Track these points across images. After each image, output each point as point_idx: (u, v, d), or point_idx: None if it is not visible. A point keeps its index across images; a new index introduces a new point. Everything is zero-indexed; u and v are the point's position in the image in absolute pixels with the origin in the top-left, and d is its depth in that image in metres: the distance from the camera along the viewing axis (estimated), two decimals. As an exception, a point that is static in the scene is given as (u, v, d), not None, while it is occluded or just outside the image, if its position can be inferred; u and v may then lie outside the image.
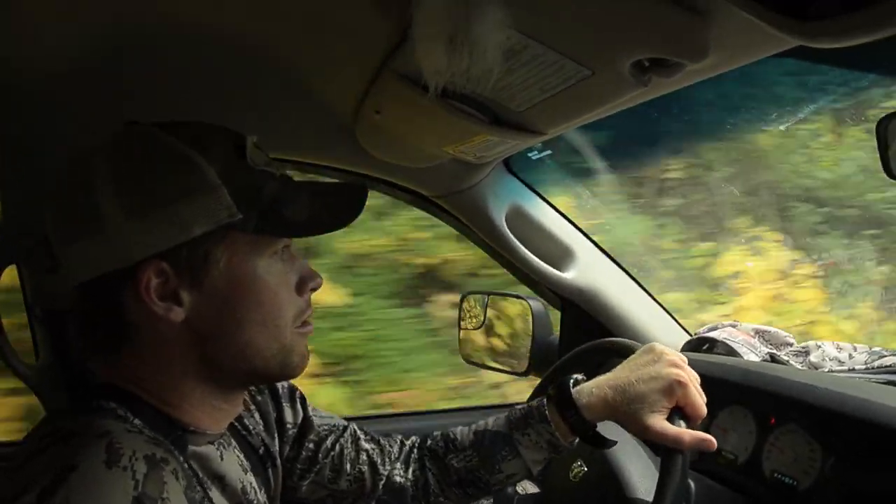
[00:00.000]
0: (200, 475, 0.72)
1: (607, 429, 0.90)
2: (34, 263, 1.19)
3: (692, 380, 0.86)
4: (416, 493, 0.99)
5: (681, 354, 0.90)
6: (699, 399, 0.85)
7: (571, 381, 0.91)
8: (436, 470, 0.99)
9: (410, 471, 1.00)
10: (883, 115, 0.82)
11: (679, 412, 0.84)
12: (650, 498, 0.80)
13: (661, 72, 0.70)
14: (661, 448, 0.83)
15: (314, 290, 0.77)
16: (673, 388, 0.84)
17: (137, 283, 0.66)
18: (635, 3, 0.61)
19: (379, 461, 0.99)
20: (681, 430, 0.82)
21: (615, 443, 0.91)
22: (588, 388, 0.89)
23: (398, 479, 0.99)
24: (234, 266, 0.69)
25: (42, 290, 1.21)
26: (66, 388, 1.28)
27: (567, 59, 0.71)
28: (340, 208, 0.76)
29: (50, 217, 0.71)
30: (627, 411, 0.85)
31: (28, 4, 0.79)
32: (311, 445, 0.96)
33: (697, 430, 0.84)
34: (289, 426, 0.94)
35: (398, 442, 1.03)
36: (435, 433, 1.03)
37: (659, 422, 0.83)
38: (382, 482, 0.98)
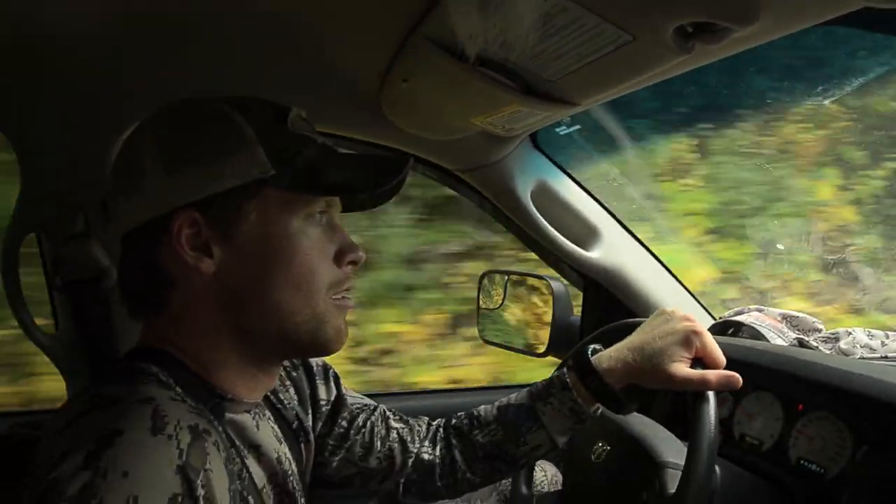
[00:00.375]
0: (237, 443, 0.73)
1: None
2: (55, 231, 1.20)
3: (706, 331, 0.89)
4: (444, 471, 1.00)
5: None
6: (717, 346, 0.88)
7: (590, 349, 0.94)
8: (461, 447, 1.00)
9: (438, 448, 1.01)
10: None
11: (700, 363, 0.87)
12: (681, 460, 0.80)
13: (705, 38, 0.67)
14: (687, 395, 0.85)
15: (354, 263, 0.77)
16: (690, 338, 0.87)
17: (171, 230, 0.68)
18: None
19: (409, 439, 1.01)
20: (705, 371, 0.85)
21: (636, 406, 0.93)
22: (607, 354, 0.92)
23: (427, 456, 1.00)
24: (265, 222, 0.71)
25: (63, 258, 1.21)
26: (85, 357, 1.28)
27: (607, 22, 0.68)
28: (380, 176, 0.76)
29: (109, 181, 0.74)
30: (648, 367, 0.87)
31: None
32: (343, 423, 0.98)
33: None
34: (322, 403, 0.96)
35: (426, 422, 1.04)
36: (459, 413, 1.04)
37: (682, 369, 0.86)
38: (412, 460, 0.99)
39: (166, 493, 0.56)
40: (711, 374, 0.84)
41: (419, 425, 1.03)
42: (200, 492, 0.58)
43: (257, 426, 0.78)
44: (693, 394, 0.83)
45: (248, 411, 0.77)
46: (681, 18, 0.65)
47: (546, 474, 1.22)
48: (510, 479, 1.14)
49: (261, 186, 0.70)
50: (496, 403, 1.00)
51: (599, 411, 0.93)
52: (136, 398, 0.63)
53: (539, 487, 1.19)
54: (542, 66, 0.82)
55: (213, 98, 0.73)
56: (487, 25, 0.69)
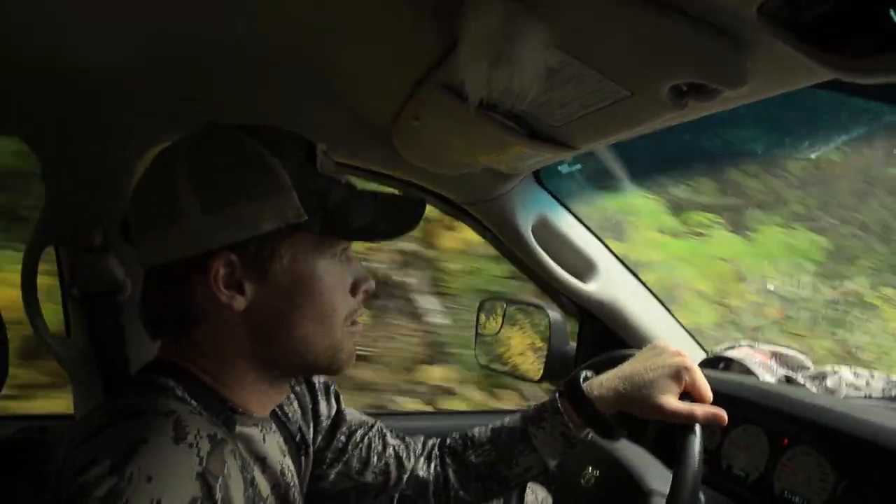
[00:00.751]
0: (245, 455, 0.75)
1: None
2: (73, 244, 1.24)
3: (696, 367, 0.91)
4: (437, 489, 1.02)
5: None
6: (705, 382, 0.91)
7: (582, 376, 0.96)
8: (455, 466, 1.03)
9: (432, 466, 1.03)
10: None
11: (688, 396, 0.90)
12: (667, 489, 0.82)
13: (698, 96, 0.71)
14: (676, 426, 0.87)
15: (367, 292, 0.81)
16: (680, 373, 0.89)
17: (207, 271, 0.71)
18: (677, 29, 0.63)
19: (404, 456, 1.03)
20: (693, 406, 0.88)
21: (625, 433, 0.96)
22: (598, 381, 0.95)
23: (422, 473, 1.02)
24: (296, 263, 0.74)
25: (81, 270, 1.24)
26: (95, 366, 1.31)
27: (607, 79, 0.73)
28: (399, 217, 0.80)
29: (133, 205, 0.76)
30: (638, 396, 0.90)
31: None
32: (342, 437, 1.01)
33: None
34: (323, 418, 0.99)
35: (421, 440, 1.07)
36: (454, 433, 1.07)
37: (671, 400, 0.88)
38: (406, 476, 1.02)
39: (187, 496, 0.60)
40: (699, 409, 0.87)
41: (415, 443, 1.06)
42: (219, 495, 0.62)
43: (264, 439, 0.80)
44: (681, 426, 0.86)
45: (257, 425, 0.80)
46: (675, 79, 0.69)
47: (537, 497, 1.24)
48: (501, 502, 1.17)
49: (294, 229, 0.72)
50: (490, 426, 1.03)
51: (589, 436, 0.96)
52: (158, 411, 0.66)
53: None
54: (547, 114, 0.86)
55: (244, 128, 0.75)
56: (495, 77, 0.73)
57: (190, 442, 0.63)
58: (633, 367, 0.93)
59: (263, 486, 0.78)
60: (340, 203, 0.75)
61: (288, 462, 0.85)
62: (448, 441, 1.06)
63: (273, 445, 0.82)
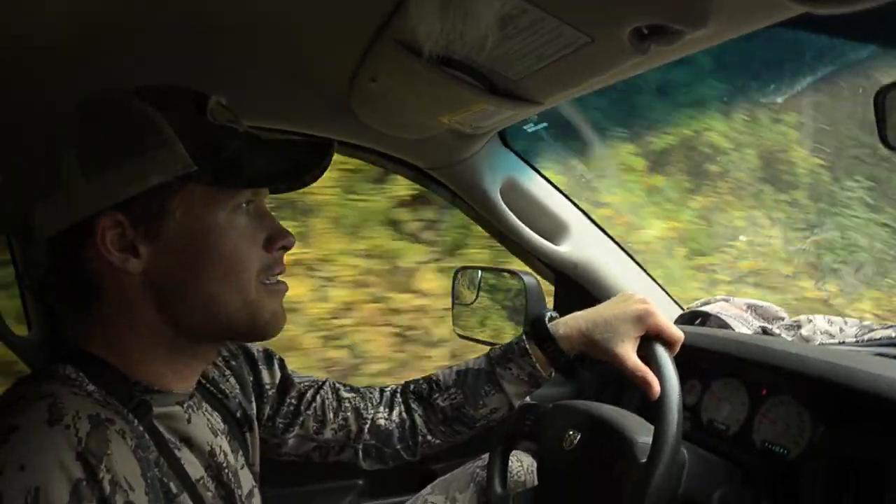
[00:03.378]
0: (167, 436, 0.73)
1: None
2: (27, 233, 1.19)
3: (659, 311, 0.95)
4: (404, 435, 1.03)
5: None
6: (672, 325, 0.94)
7: (547, 316, 1.00)
8: (421, 411, 1.04)
9: (395, 413, 1.04)
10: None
11: (659, 340, 0.93)
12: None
13: (660, 40, 0.69)
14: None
15: (285, 248, 0.78)
16: (642, 317, 0.93)
17: (95, 234, 0.68)
18: (636, -32, 0.61)
19: (361, 406, 1.03)
20: (652, 378, 0.90)
21: (587, 372, 1.02)
22: (563, 321, 0.99)
23: (382, 421, 1.03)
24: (190, 218, 0.71)
25: (32, 260, 1.20)
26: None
27: (566, 24, 0.70)
28: (304, 163, 0.77)
29: (24, 182, 0.73)
30: (600, 339, 0.94)
31: None
32: (292, 401, 1.00)
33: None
34: (267, 387, 0.97)
35: (377, 390, 1.07)
36: (416, 378, 1.08)
37: (628, 350, 0.93)
38: (367, 426, 1.02)
39: (69, 479, 0.58)
40: (655, 384, 0.89)
41: (370, 392, 1.06)
42: (105, 476, 0.60)
43: (189, 419, 0.78)
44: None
45: (181, 403, 0.77)
46: (635, 21, 0.67)
47: (522, 465, 1.24)
48: (485, 471, 1.17)
49: (184, 182, 0.69)
50: (454, 368, 1.05)
51: (552, 375, 1.01)
52: (35, 395, 0.64)
53: (516, 477, 1.21)
54: (506, 66, 0.84)
55: (129, 91, 0.72)
56: (449, 26, 0.70)
57: (66, 423, 0.61)
58: (598, 310, 0.98)
59: (195, 466, 0.76)
60: (236, 152, 0.72)
61: (220, 442, 0.82)
62: (412, 386, 1.07)
63: (201, 424, 0.80)
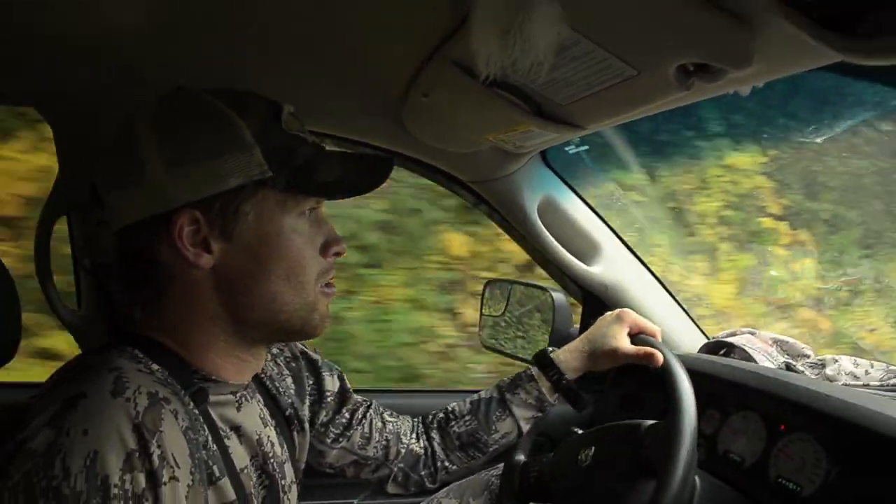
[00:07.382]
0: (218, 424, 0.77)
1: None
2: (86, 214, 1.25)
3: (630, 311, 1.14)
4: (426, 462, 1.11)
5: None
6: (646, 320, 1.13)
7: (549, 349, 1.15)
8: (439, 438, 1.12)
9: (421, 441, 1.11)
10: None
11: (642, 333, 1.11)
12: None
13: (704, 77, 0.72)
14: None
15: (338, 254, 0.81)
16: (620, 315, 1.12)
17: (172, 228, 0.71)
18: (685, 9, 0.64)
19: (401, 432, 1.10)
20: (636, 347, 1.07)
21: (591, 400, 1.14)
22: (563, 350, 1.14)
23: (415, 448, 1.10)
24: (262, 221, 0.74)
25: (94, 242, 1.26)
26: (103, 336, 1.34)
27: (615, 57, 0.74)
28: (367, 174, 0.81)
29: (99, 167, 0.76)
30: (596, 348, 1.11)
31: None
32: (346, 413, 1.05)
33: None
34: (328, 394, 1.03)
35: (409, 418, 1.14)
36: (434, 411, 1.16)
37: (624, 343, 1.09)
38: (404, 451, 1.09)
39: (123, 448, 0.61)
40: (657, 353, 1.03)
41: (407, 420, 1.13)
42: (155, 450, 0.63)
43: (239, 408, 0.81)
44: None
45: (234, 393, 0.80)
46: (682, 58, 0.70)
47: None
48: (499, 479, 1.19)
49: (258, 186, 0.73)
50: (467, 399, 1.14)
51: (557, 400, 1.13)
52: (104, 367, 0.68)
53: None
54: (554, 92, 0.87)
55: (210, 91, 0.74)
56: (506, 52, 0.74)
57: (127, 396, 0.65)
58: (588, 332, 1.14)
59: (240, 455, 0.79)
60: (306, 160, 0.76)
61: (269, 432, 0.85)
62: (429, 418, 1.15)
63: (251, 414, 0.83)
